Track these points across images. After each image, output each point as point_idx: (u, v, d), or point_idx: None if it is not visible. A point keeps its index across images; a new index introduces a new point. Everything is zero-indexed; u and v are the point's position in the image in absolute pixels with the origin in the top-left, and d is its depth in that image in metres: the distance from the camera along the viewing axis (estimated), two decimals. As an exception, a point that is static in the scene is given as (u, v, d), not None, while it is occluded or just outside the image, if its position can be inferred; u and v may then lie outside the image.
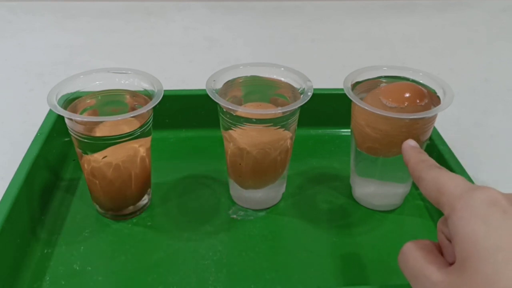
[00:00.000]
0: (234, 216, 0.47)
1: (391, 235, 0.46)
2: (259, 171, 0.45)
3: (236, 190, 0.48)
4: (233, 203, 0.49)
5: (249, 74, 0.47)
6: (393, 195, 0.48)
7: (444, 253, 0.28)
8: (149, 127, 0.44)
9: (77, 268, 0.42)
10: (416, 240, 0.30)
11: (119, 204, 0.46)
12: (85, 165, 0.44)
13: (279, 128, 0.43)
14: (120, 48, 0.86)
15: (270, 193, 0.48)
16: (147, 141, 0.45)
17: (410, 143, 0.35)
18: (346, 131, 0.60)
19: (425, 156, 0.33)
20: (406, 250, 0.29)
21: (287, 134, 0.44)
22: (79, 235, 0.45)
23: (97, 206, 0.47)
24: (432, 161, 0.32)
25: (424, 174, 0.30)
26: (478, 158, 0.57)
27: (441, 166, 0.31)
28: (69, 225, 0.46)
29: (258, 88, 0.47)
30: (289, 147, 0.46)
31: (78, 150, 0.44)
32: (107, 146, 0.42)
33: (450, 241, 0.28)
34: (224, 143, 0.46)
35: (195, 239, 0.45)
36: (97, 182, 0.44)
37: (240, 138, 0.44)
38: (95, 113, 0.45)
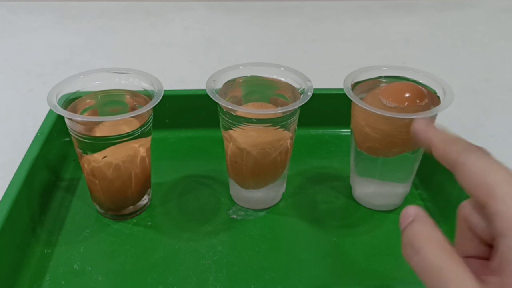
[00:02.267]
0: (234, 216, 0.47)
1: (391, 235, 0.46)
2: (259, 171, 0.45)
3: (236, 190, 0.48)
4: (233, 203, 0.49)
5: (249, 74, 0.47)
6: (393, 195, 0.48)
7: (459, 243, 0.25)
8: (149, 127, 0.44)
9: (77, 268, 0.42)
10: (430, 228, 0.24)
11: (119, 204, 0.46)
12: (85, 165, 0.44)
13: (279, 128, 0.43)
14: (120, 48, 0.86)
15: (270, 193, 0.48)
16: (147, 141, 0.45)
17: (420, 123, 0.30)
18: (346, 131, 0.60)
19: (451, 135, 0.27)
20: (421, 243, 0.23)
21: (287, 134, 0.44)
22: (79, 235, 0.45)
23: (97, 206, 0.47)
24: (464, 140, 0.26)
25: (464, 160, 0.24)
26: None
27: (481, 148, 0.25)
28: (69, 225, 0.46)
29: (258, 88, 0.47)
30: (289, 147, 0.46)
31: (78, 150, 0.44)
32: (107, 146, 0.42)
33: (478, 233, 0.25)
34: (224, 143, 0.46)
35: (195, 239, 0.45)
36: (97, 182, 0.44)
37: (240, 138, 0.44)
38: (95, 113, 0.45)
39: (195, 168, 0.54)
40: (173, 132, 0.59)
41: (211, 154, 0.56)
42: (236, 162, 0.45)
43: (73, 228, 0.46)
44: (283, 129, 0.43)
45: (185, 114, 0.59)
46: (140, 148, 0.44)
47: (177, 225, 0.46)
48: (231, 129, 0.43)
